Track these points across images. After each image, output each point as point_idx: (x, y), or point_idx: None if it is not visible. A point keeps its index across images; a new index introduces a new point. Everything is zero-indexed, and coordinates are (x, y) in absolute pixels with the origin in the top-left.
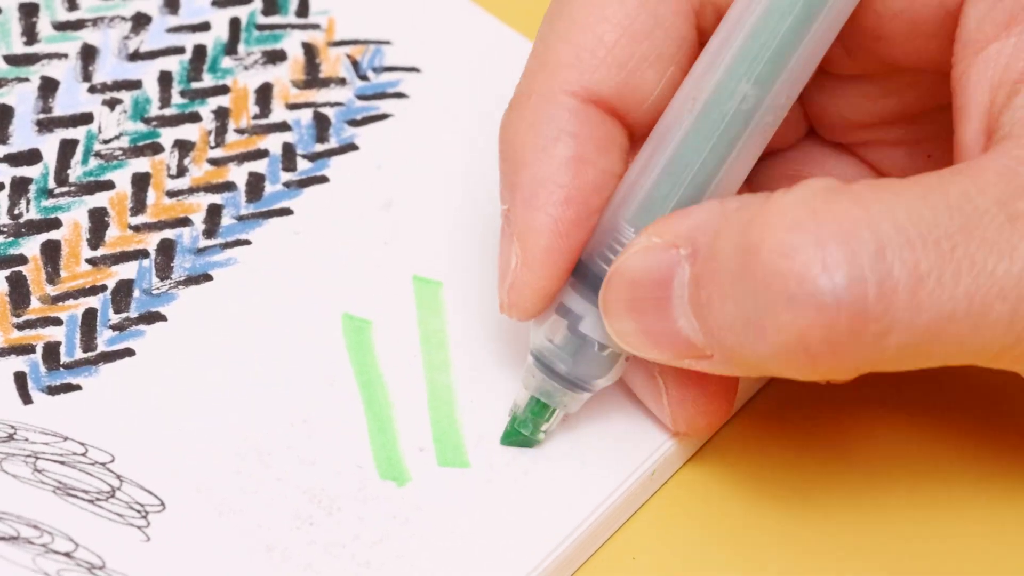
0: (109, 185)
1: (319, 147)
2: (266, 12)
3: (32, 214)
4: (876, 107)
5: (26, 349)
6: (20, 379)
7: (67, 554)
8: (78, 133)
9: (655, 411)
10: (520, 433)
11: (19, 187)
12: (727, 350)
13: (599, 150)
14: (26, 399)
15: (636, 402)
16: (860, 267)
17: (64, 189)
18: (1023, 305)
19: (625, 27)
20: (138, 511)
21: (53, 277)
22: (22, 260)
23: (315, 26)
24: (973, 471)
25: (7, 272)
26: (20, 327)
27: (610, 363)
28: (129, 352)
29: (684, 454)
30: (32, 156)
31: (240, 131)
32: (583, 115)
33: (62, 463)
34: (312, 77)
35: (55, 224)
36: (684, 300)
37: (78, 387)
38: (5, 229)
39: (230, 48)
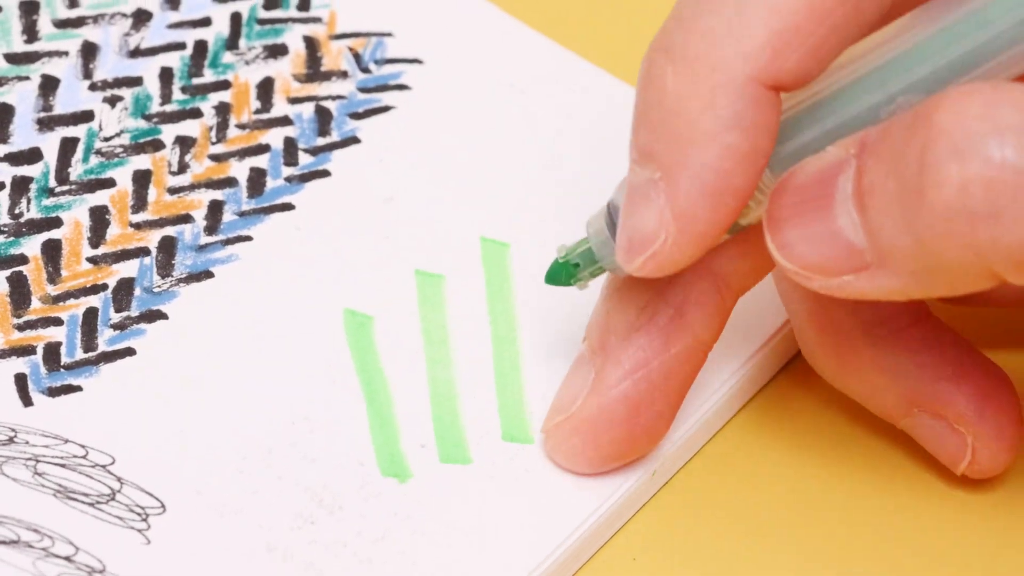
0: (110, 183)
1: (321, 141)
2: (267, 6)
3: (33, 213)
4: None
5: (27, 350)
6: (20, 381)
7: (67, 558)
8: (79, 131)
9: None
10: (564, 271)
11: (20, 186)
12: (885, 242)
13: (773, 137)
14: (26, 401)
15: None
16: None
17: (65, 188)
18: None
19: (822, 16)
20: (138, 514)
21: (54, 277)
22: (23, 260)
23: (316, 19)
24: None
25: (8, 272)
26: (21, 328)
27: None
28: (130, 351)
29: (684, 454)
30: (33, 155)
31: (241, 126)
32: (764, 103)
33: (63, 466)
34: (314, 71)
35: (56, 223)
36: (847, 194)
37: (79, 388)
38: (6, 229)
39: (231, 43)
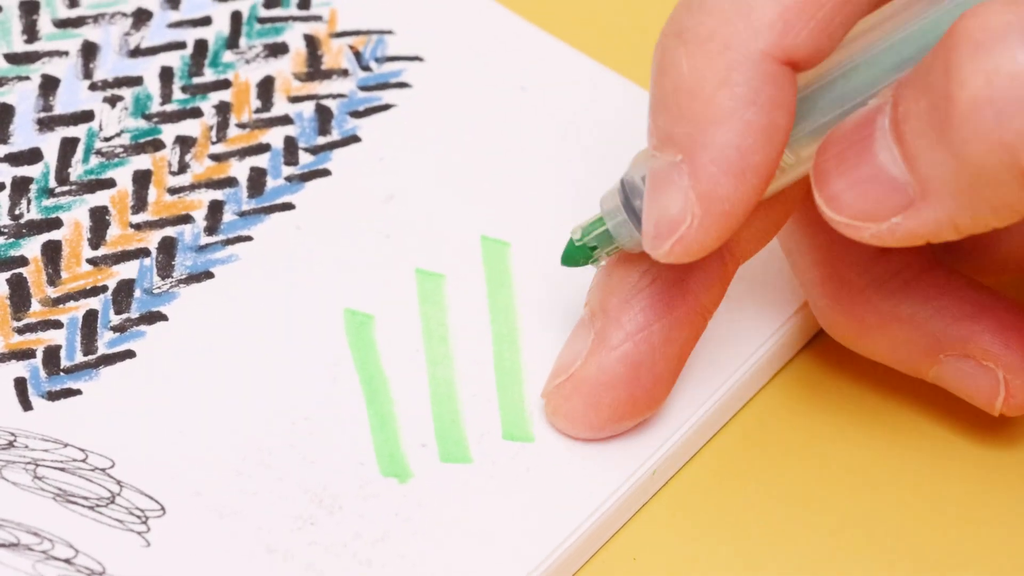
0: (110, 183)
1: (321, 140)
2: (267, 5)
3: (33, 214)
4: None
5: (26, 354)
6: (20, 385)
7: (67, 560)
8: (79, 131)
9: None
10: (581, 253)
11: (20, 187)
12: (923, 167)
13: (791, 115)
14: (26, 405)
15: None
16: None
17: (65, 188)
18: None
19: None
20: (138, 516)
21: (54, 278)
22: (23, 262)
23: (317, 18)
24: (974, 471)
25: (8, 275)
26: (20, 331)
27: None
28: (130, 354)
29: (684, 454)
30: (33, 155)
31: (242, 126)
32: (779, 79)
33: (62, 470)
34: (314, 69)
35: (56, 224)
36: (886, 130)
37: (78, 392)
38: (6, 230)
39: (231, 42)
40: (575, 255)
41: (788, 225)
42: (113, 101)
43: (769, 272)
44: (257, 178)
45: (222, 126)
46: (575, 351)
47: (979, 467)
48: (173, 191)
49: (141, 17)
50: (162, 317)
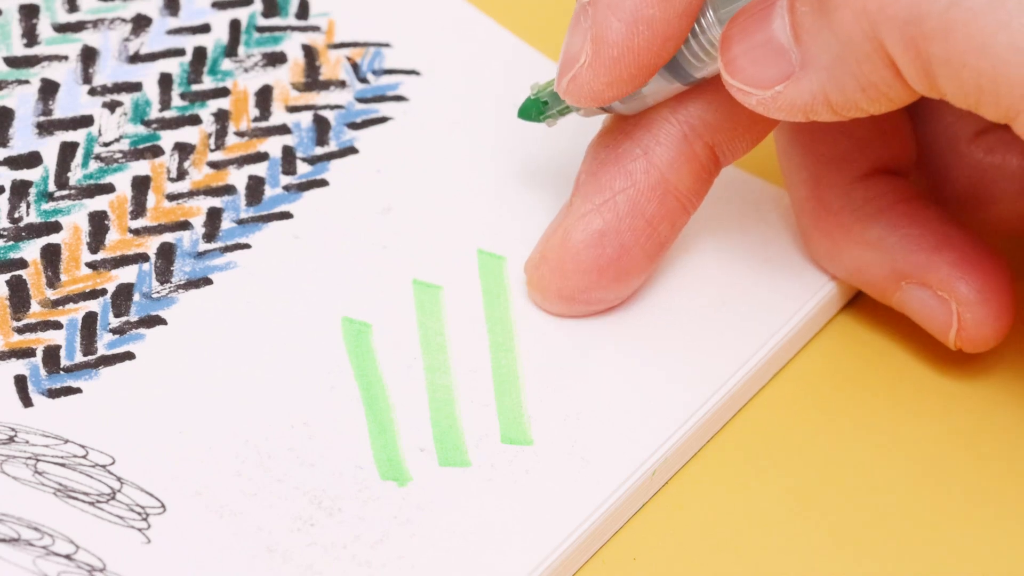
0: (109, 188)
1: (319, 150)
2: (266, 14)
3: (32, 218)
4: None
5: (26, 353)
6: (20, 382)
7: (68, 556)
8: (78, 136)
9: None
10: (534, 107)
11: (19, 190)
12: (804, 35)
13: None
14: (26, 402)
15: (636, 401)
16: None
17: (64, 192)
18: None
19: None
20: (139, 513)
21: (53, 281)
22: (22, 264)
23: (315, 28)
24: (974, 471)
25: (7, 276)
26: (20, 331)
27: (639, 102)
28: (129, 355)
29: (684, 454)
30: (32, 159)
31: (240, 134)
32: None
33: (63, 465)
34: (312, 80)
35: (55, 228)
36: (784, 1)
37: (78, 390)
38: (5, 233)
39: (230, 50)
40: (529, 109)
41: (784, 143)
42: (112, 106)
43: (769, 273)
44: (255, 187)
45: (220, 134)
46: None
47: (979, 467)
48: (172, 197)
49: (140, 23)
50: (161, 321)
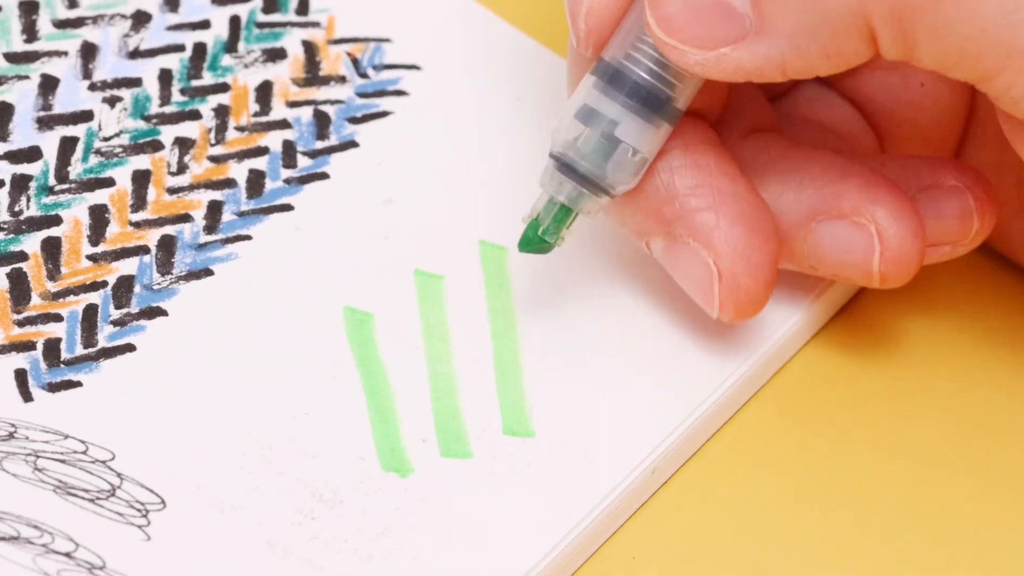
0: (109, 182)
1: (319, 144)
2: (266, 10)
3: (33, 211)
4: None
5: (27, 346)
6: (20, 376)
7: (67, 554)
8: (78, 130)
9: (701, 300)
10: (541, 239)
11: (19, 184)
12: (769, 4)
13: None
14: (26, 396)
15: (636, 401)
16: None
17: (64, 186)
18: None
19: None
20: (138, 510)
21: (54, 273)
22: (23, 257)
23: (315, 24)
24: (974, 470)
25: (8, 269)
26: (21, 324)
27: (639, 168)
28: (130, 347)
29: (684, 453)
30: (32, 153)
31: (240, 129)
32: None
33: (62, 462)
34: (312, 75)
35: (56, 221)
36: None
37: (79, 384)
38: (6, 226)
39: (230, 46)
40: (536, 241)
41: None
42: (112, 102)
43: None
44: (256, 180)
45: (221, 129)
46: None
47: (978, 468)
48: (172, 191)
49: (140, 19)
50: (162, 312)
